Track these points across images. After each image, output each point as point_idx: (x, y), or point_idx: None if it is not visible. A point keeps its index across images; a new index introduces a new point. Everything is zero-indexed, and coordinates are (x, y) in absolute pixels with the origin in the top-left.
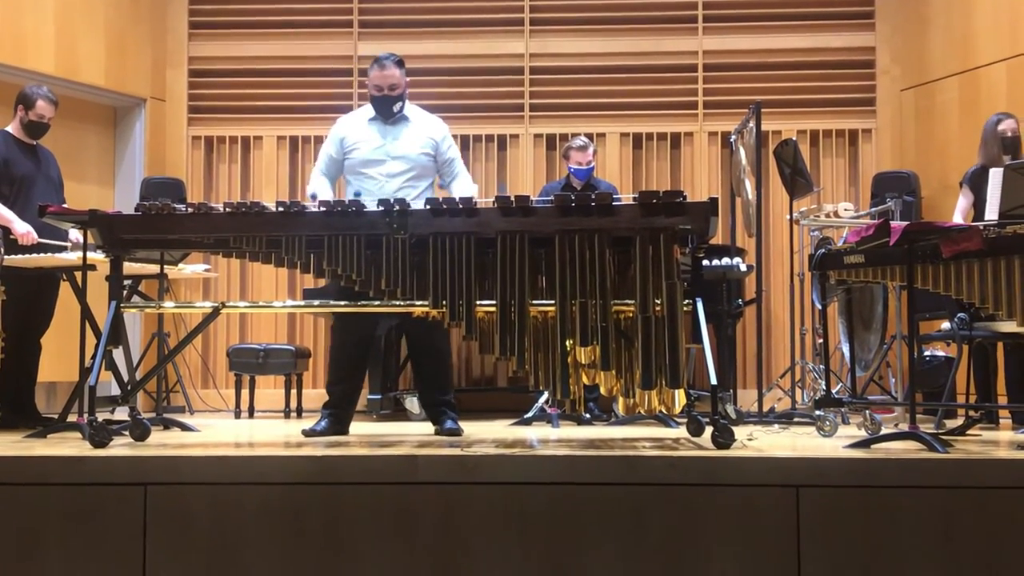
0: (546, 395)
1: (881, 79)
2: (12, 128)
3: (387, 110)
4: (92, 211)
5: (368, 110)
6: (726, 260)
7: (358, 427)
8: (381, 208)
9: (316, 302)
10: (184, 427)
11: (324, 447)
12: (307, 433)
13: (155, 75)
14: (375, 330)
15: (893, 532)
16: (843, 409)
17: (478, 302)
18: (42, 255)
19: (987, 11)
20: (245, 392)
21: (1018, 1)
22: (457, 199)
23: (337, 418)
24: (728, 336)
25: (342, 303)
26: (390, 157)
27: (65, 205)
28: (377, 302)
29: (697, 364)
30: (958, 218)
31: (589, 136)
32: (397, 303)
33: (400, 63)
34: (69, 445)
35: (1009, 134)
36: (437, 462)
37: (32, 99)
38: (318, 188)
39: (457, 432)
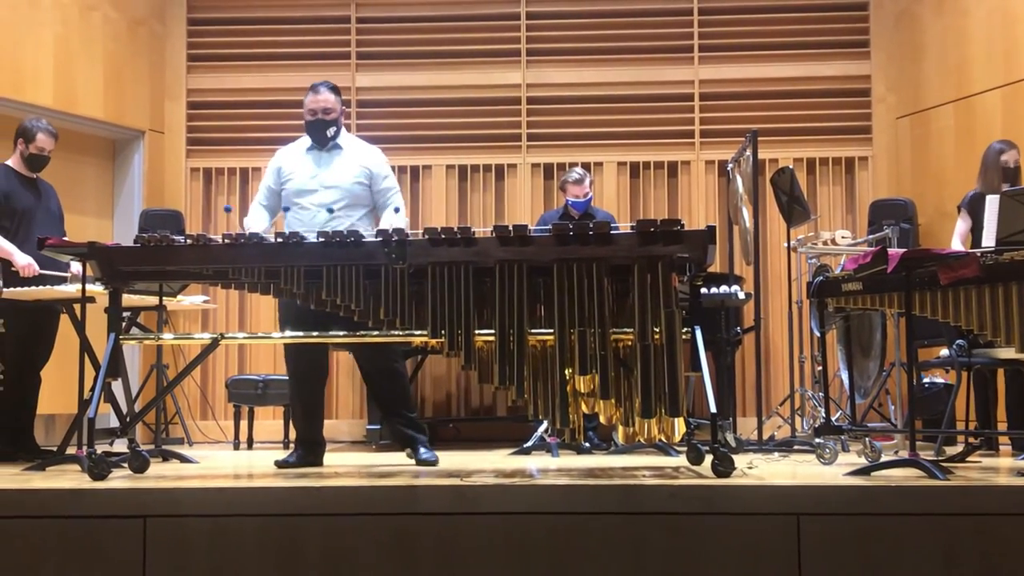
0: (545, 424)
1: (877, 107)
2: (12, 162)
3: (321, 135)
4: (91, 243)
5: (306, 140)
6: (724, 288)
7: (354, 457)
8: (379, 238)
9: (315, 333)
10: (183, 459)
11: (322, 479)
12: (280, 464)
13: (153, 107)
14: (328, 356)
15: (894, 560)
16: (843, 437)
17: (477, 331)
18: (42, 287)
19: (981, 39)
20: (244, 423)
21: (1012, 29)
22: (455, 229)
23: (310, 450)
24: (727, 364)
25: (340, 334)
26: (322, 187)
27: (65, 238)
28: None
29: (696, 392)
30: (957, 241)
31: (586, 166)
32: (396, 332)
33: (335, 89)
34: (68, 478)
35: (1012, 165)
36: (437, 492)
37: (32, 132)
38: (252, 220)
39: (433, 462)
